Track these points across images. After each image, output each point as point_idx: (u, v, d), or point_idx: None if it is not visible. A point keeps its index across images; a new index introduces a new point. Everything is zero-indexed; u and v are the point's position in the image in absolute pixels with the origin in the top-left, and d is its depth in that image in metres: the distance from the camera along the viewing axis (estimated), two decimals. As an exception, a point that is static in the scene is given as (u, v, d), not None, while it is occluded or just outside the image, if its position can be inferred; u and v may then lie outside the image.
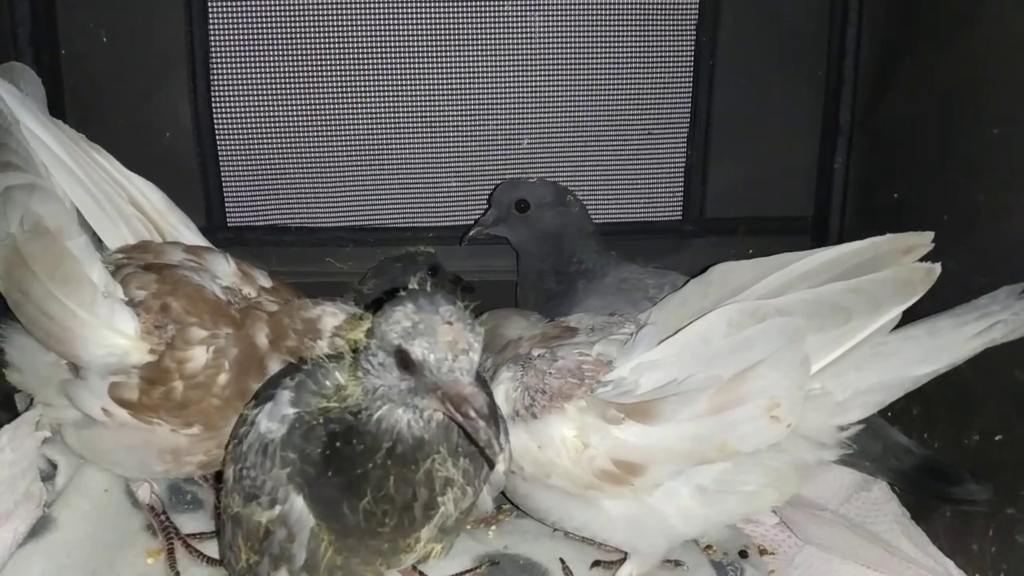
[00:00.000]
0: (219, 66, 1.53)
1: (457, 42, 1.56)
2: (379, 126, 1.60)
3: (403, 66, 1.57)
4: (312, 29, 1.53)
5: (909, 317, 1.04)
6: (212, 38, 1.51)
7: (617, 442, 1.01)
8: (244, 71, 1.54)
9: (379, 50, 1.55)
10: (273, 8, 1.51)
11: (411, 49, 1.56)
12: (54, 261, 1.06)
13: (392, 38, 1.55)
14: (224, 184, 1.59)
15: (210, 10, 1.50)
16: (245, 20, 1.51)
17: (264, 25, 1.52)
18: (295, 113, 1.57)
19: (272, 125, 1.57)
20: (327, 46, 1.54)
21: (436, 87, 1.58)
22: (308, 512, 0.88)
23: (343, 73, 1.56)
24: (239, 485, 0.92)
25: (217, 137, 1.56)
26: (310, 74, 1.55)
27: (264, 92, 1.55)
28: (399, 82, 1.57)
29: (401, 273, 1.50)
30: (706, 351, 1.00)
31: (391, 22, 1.54)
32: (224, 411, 1.08)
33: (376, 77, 1.57)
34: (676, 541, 1.13)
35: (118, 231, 1.23)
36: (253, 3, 1.51)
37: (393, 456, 0.84)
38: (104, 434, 1.11)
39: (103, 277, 1.08)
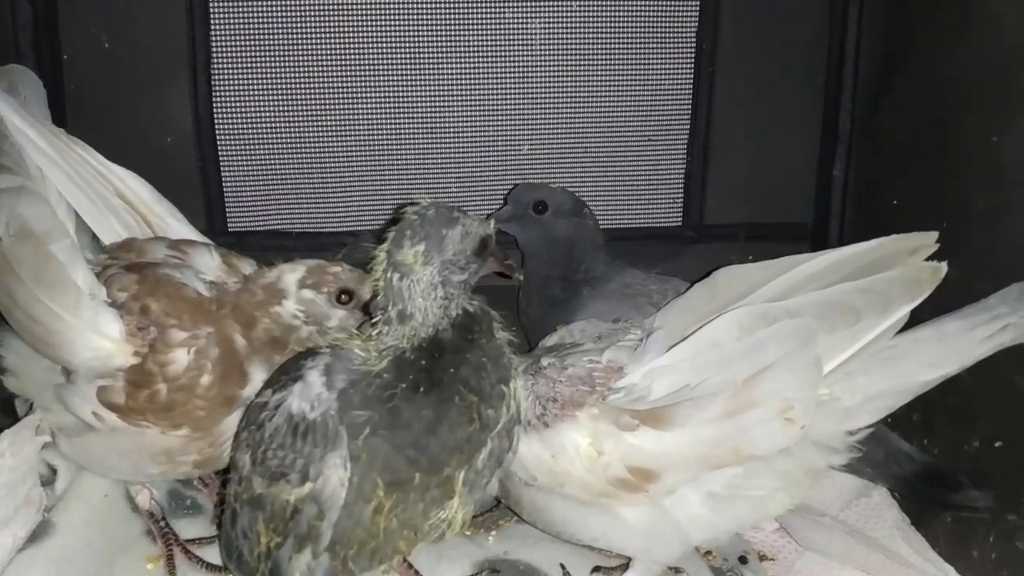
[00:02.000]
0: (220, 71, 1.53)
1: (458, 49, 1.57)
2: (380, 131, 1.60)
3: (404, 71, 1.57)
4: (313, 34, 1.53)
5: (909, 323, 1.04)
6: (213, 43, 1.51)
7: (632, 449, 1.01)
8: (245, 76, 1.54)
9: (380, 55, 1.56)
10: (275, 13, 1.52)
11: (412, 54, 1.56)
12: (39, 265, 1.05)
13: (393, 43, 1.55)
14: (225, 188, 1.59)
15: (212, 15, 1.50)
16: (247, 25, 1.52)
17: (266, 30, 1.52)
18: (296, 118, 1.57)
19: (273, 130, 1.57)
20: (328, 51, 1.54)
21: (437, 93, 1.59)
22: (342, 487, 0.91)
23: (344, 78, 1.56)
24: (262, 467, 0.93)
25: (218, 141, 1.56)
26: (311, 79, 1.55)
27: (265, 97, 1.55)
28: (400, 87, 1.57)
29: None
30: (718, 355, 1.00)
31: (392, 27, 1.54)
32: (211, 412, 1.08)
33: (377, 82, 1.57)
34: (690, 548, 1.13)
35: (110, 225, 1.22)
36: (255, 8, 1.51)
37: (484, 334, 0.98)
38: (96, 440, 1.11)
39: (88, 280, 1.07)
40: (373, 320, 0.98)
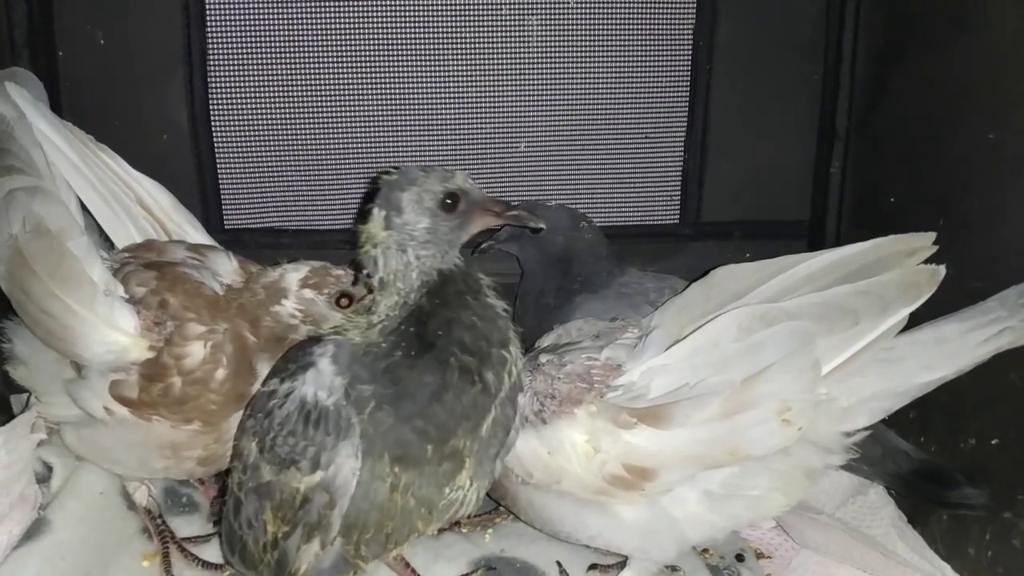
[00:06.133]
0: (216, 68, 1.53)
1: (452, 45, 1.56)
2: (376, 129, 1.59)
3: (399, 68, 1.56)
4: (309, 32, 1.53)
5: (908, 321, 1.04)
6: (209, 39, 1.51)
7: (629, 447, 1.01)
8: (241, 73, 1.54)
9: (375, 52, 1.55)
10: (269, 11, 1.51)
11: (406, 51, 1.56)
12: (55, 261, 1.07)
13: (388, 40, 1.55)
14: (221, 186, 1.59)
15: (207, 11, 1.49)
16: (242, 23, 1.51)
17: (261, 27, 1.52)
18: (292, 115, 1.57)
19: (269, 128, 1.57)
20: (324, 48, 1.54)
21: (431, 90, 1.58)
22: (354, 476, 0.91)
23: (339, 75, 1.56)
24: (271, 455, 0.93)
25: (214, 139, 1.55)
26: (307, 76, 1.55)
27: (261, 94, 1.55)
28: (395, 84, 1.57)
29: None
30: (717, 355, 1.01)
31: (387, 23, 1.54)
32: (223, 407, 1.08)
33: (372, 79, 1.57)
34: (686, 547, 1.13)
35: (127, 231, 1.24)
36: (250, 6, 1.51)
37: (468, 293, 0.96)
38: (104, 432, 1.12)
39: (103, 276, 1.09)
40: (368, 296, 0.99)
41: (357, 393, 0.92)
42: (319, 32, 1.53)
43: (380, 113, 1.58)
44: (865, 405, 1.04)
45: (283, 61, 1.54)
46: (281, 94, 1.56)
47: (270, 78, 1.54)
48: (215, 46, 1.52)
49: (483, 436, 0.96)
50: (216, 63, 1.52)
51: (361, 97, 1.57)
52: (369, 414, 0.91)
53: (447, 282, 0.96)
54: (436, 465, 0.94)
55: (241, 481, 0.98)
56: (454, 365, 0.93)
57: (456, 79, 1.58)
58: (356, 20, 1.53)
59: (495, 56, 1.57)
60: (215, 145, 1.56)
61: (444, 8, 1.54)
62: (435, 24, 1.55)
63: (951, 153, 1.25)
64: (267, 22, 1.52)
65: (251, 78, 1.54)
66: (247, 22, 1.51)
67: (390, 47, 1.55)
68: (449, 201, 0.95)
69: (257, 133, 1.57)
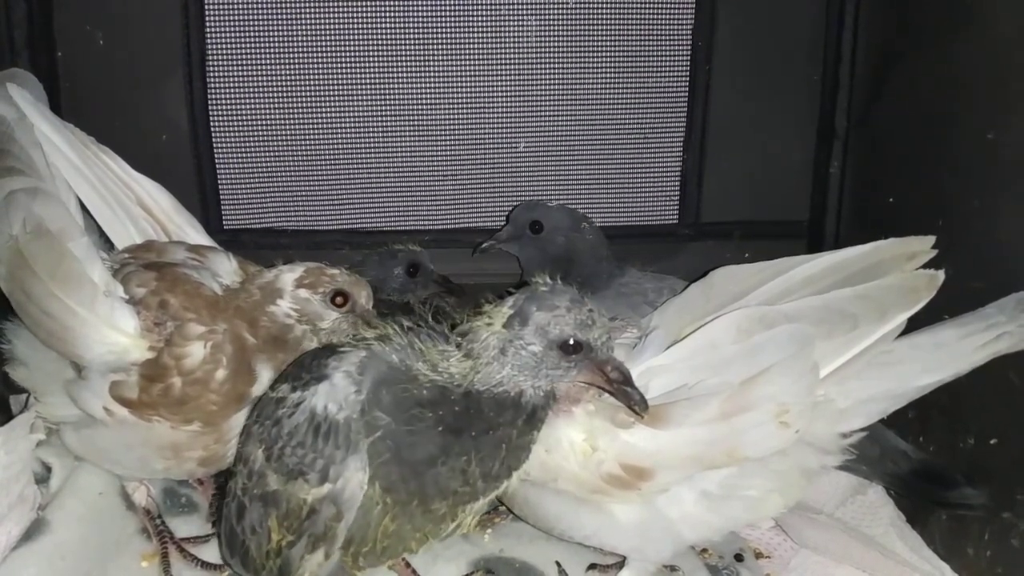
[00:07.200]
0: (216, 68, 1.53)
1: (454, 46, 1.57)
2: (375, 129, 1.60)
3: (398, 69, 1.57)
4: (308, 32, 1.53)
5: (908, 322, 1.04)
6: (209, 40, 1.51)
7: (626, 446, 1.01)
8: (241, 73, 1.54)
9: (376, 52, 1.55)
10: (269, 12, 1.51)
11: (408, 51, 1.56)
12: (55, 261, 1.07)
13: (389, 40, 1.55)
14: (220, 187, 1.59)
15: (206, 12, 1.50)
16: (241, 24, 1.52)
17: (260, 28, 1.52)
18: (292, 116, 1.57)
19: (268, 128, 1.57)
20: (324, 49, 1.54)
21: (431, 91, 1.59)
22: (361, 490, 0.91)
23: (340, 76, 1.56)
24: (279, 464, 0.93)
25: (214, 140, 1.56)
26: (307, 77, 1.55)
27: (261, 95, 1.55)
28: (394, 85, 1.57)
29: (376, 267, 1.50)
30: (716, 356, 1.01)
31: (388, 23, 1.54)
32: (223, 407, 1.08)
33: (373, 78, 1.57)
34: (682, 547, 1.13)
35: (127, 231, 1.24)
36: (249, 7, 1.51)
37: (526, 422, 0.95)
38: (104, 432, 1.11)
39: (104, 276, 1.08)
40: (456, 342, 0.97)
41: (371, 418, 0.92)
42: (319, 32, 1.53)
43: (380, 113, 1.59)
44: (863, 407, 1.05)
45: (283, 61, 1.54)
46: (281, 94, 1.56)
47: (270, 78, 1.55)
48: (215, 46, 1.52)
49: (460, 516, 0.98)
50: (216, 63, 1.53)
51: (360, 98, 1.58)
52: (373, 441, 0.91)
53: (515, 407, 0.95)
54: (422, 511, 0.95)
55: (246, 486, 0.98)
56: (459, 461, 0.93)
57: (455, 79, 1.58)
58: (356, 20, 1.53)
59: (495, 56, 1.58)
60: (214, 145, 1.56)
61: (444, 9, 1.54)
62: (434, 24, 1.55)
63: (950, 153, 1.25)
64: (267, 22, 1.52)
65: (251, 78, 1.54)
66: (247, 22, 1.52)
67: (390, 47, 1.55)
68: (571, 345, 0.93)
69: (256, 133, 1.57)
